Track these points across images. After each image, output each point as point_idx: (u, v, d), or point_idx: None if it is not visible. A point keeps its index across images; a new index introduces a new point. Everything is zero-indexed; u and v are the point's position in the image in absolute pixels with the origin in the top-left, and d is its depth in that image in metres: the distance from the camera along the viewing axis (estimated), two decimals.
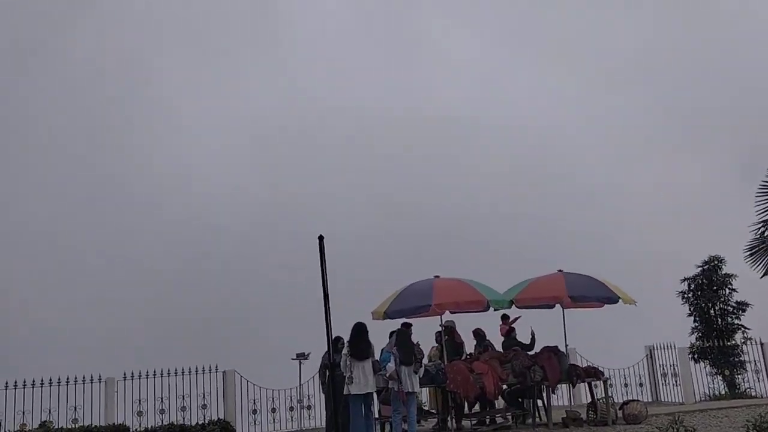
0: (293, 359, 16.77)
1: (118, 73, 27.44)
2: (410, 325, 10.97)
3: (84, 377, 13.17)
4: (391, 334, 11.07)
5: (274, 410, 14.84)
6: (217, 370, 14.44)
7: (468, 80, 29.42)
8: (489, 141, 28.16)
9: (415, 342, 10.76)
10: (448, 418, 11.90)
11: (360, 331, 10.23)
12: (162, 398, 13.68)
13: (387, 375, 10.38)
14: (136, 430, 10.79)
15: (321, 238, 9.30)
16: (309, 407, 15.07)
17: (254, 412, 14.57)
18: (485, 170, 27.11)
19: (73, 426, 12.39)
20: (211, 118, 28.19)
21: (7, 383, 12.65)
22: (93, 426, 12.64)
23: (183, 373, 14.02)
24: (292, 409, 15.00)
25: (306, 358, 17.23)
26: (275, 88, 28.71)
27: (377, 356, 10.48)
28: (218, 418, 13.20)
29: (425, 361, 11.41)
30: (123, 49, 27.52)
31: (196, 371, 14.17)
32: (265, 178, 27.63)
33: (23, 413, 12.47)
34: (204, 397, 14.12)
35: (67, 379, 13.08)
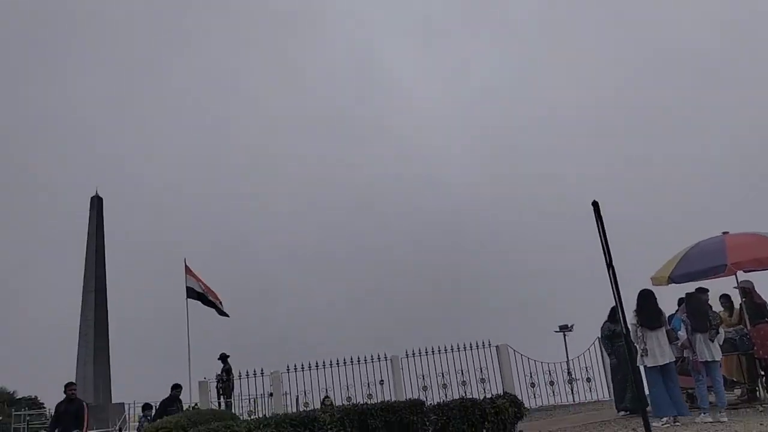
0: (556, 331, 16.42)
1: (358, 72, 29.43)
2: (706, 290, 9.94)
3: (373, 356, 14.30)
4: (680, 300, 10.18)
5: (552, 383, 14.63)
6: (490, 345, 14.64)
7: None
8: None
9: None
10: (757, 388, 10.61)
11: (648, 297, 9.49)
12: (443, 373, 14.28)
13: (679, 344, 9.59)
14: (429, 404, 11.37)
15: (595, 204, 8.83)
16: (588, 380, 14.58)
17: (532, 385, 14.49)
18: None
19: (368, 400, 13.40)
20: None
21: (310, 364, 14.25)
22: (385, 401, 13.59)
23: (459, 349, 14.46)
24: (570, 381, 14.65)
25: (570, 330, 16.76)
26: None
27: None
28: (505, 392, 13.25)
29: None
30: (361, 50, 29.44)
31: (471, 347, 14.51)
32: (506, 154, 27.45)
33: (326, 389, 13.94)
34: (481, 371, 14.42)
35: (358, 358, 14.30)
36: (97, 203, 30.43)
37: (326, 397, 14.15)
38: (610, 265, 8.27)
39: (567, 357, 15.80)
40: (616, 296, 8.11)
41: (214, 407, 15.08)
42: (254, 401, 15.64)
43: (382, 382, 14.65)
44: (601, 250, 8.73)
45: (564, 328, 18.36)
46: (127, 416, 25.77)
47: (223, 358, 16.84)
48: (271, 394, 17.31)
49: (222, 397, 16.58)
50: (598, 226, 8.70)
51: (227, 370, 16.66)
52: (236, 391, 15.76)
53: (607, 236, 8.18)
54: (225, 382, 16.37)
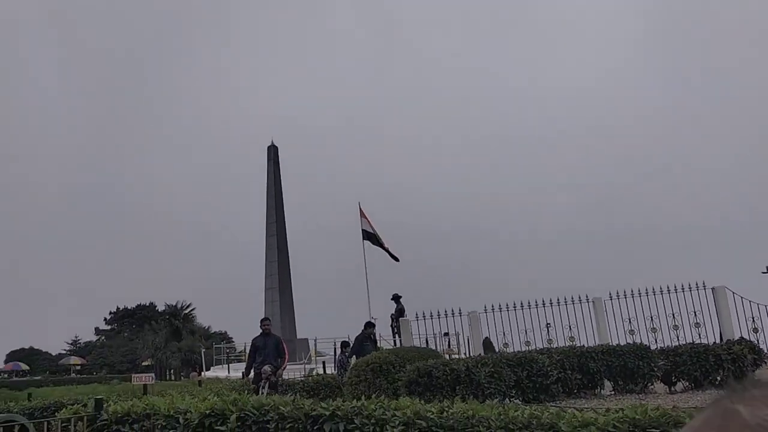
0: (763, 272, 14.70)
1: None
2: None
3: (573, 298, 13.49)
4: None
5: None
6: (704, 286, 13.30)
7: None
8: None
9: None
10: None
11: None
12: (651, 317, 13.19)
13: None
14: (655, 349, 10.61)
15: None
16: None
17: (755, 330, 13.00)
18: None
19: (571, 343, 12.76)
20: None
21: (507, 305, 13.76)
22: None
23: (669, 290, 13.26)
24: None
25: None
26: None
27: None
28: (740, 337, 11.91)
29: None
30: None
31: (683, 289, 13.27)
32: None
33: (525, 331, 13.45)
34: (695, 315, 13.18)
35: (558, 300, 13.55)
36: (273, 152, 31.94)
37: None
38: None
39: None
40: None
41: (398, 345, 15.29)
42: (427, 341, 15.65)
43: (548, 325, 13.90)
44: None
45: None
46: (312, 352, 27.39)
47: (396, 298, 17.06)
48: (446, 334, 17.29)
49: (396, 335, 16.85)
50: None
51: (400, 310, 16.90)
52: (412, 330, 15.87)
53: None
54: (398, 321, 16.62)
